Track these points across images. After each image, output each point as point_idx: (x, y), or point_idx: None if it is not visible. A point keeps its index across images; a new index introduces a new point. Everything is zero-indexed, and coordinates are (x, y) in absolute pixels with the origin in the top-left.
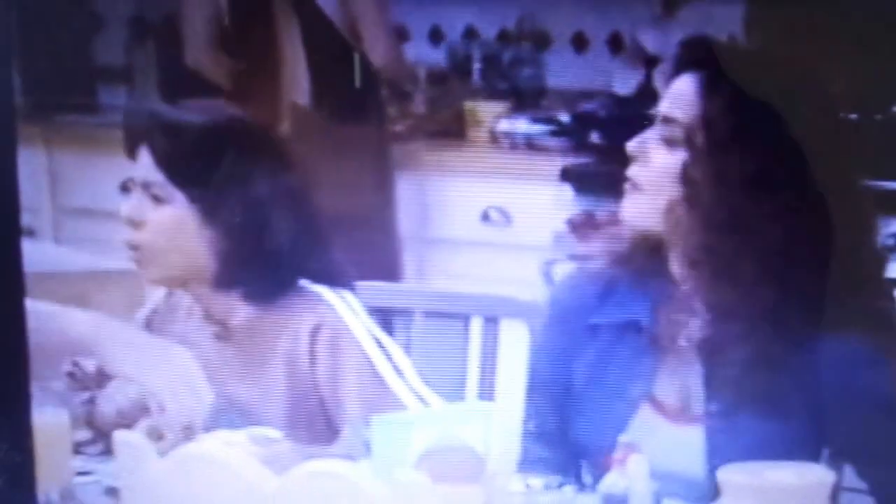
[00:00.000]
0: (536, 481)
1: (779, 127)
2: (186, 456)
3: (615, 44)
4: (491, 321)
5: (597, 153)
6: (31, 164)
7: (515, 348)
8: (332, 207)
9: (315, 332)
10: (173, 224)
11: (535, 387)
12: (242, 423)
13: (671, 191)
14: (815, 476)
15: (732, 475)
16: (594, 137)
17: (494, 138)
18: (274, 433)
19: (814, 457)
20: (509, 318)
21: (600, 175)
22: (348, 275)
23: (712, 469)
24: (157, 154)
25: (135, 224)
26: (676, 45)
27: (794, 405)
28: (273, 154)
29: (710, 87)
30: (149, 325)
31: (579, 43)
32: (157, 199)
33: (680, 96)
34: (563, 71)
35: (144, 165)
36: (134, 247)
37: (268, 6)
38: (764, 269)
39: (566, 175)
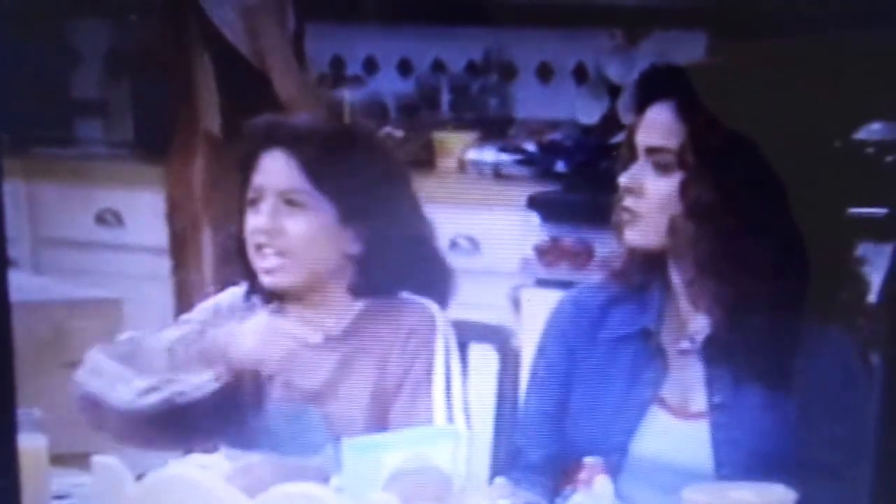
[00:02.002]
0: (505, 501)
1: (753, 146)
2: (162, 478)
3: (580, 74)
4: (460, 346)
5: (562, 181)
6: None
7: (484, 372)
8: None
9: (409, 335)
10: (312, 229)
11: (544, 401)
12: (324, 426)
13: (669, 211)
14: (775, 496)
15: (696, 495)
16: (560, 166)
17: (463, 167)
18: (253, 457)
19: (811, 452)
20: (478, 342)
21: (566, 202)
22: (448, 290)
23: (719, 462)
24: (303, 161)
25: (272, 233)
26: (639, 77)
27: (789, 398)
28: (397, 165)
29: (686, 113)
30: (172, 350)
31: (544, 74)
32: (293, 204)
33: (659, 125)
34: (529, 101)
35: (277, 174)
36: (278, 254)
37: (183, 46)
38: (759, 271)
39: (533, 203)
